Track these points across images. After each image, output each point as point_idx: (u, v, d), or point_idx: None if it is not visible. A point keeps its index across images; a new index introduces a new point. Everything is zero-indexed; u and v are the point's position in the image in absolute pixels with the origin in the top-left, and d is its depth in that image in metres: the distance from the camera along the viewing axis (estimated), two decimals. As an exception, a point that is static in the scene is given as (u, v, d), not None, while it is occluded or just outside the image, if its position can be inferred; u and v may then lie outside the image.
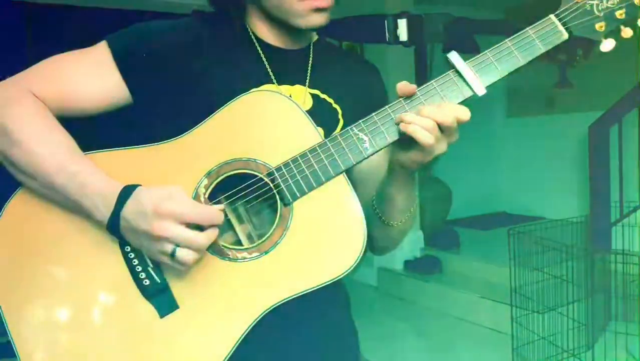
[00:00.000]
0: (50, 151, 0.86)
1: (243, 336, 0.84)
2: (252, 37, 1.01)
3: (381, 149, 0.87)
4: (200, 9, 1.03)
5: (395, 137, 0.86)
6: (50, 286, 0.87)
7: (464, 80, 0.86)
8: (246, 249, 0.87)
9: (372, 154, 0.87)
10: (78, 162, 0.87)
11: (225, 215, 0.90)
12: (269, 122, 0.89)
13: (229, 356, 0.84)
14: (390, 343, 3.52)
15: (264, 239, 0.86)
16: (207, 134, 0.89)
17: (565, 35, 0.87)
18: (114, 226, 0.83)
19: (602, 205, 3.65)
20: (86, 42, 0.98)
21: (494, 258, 4.00)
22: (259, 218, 0.92)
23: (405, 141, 0.85)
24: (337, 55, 1.11)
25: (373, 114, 0.87)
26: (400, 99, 0.87)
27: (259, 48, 1.00)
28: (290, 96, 0.94)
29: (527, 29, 0.87)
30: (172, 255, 0.80)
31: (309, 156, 0.87)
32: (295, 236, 0.86)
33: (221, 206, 0.85)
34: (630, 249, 3.48)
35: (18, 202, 0.90)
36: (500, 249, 3.33)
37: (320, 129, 0.90)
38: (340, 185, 0.87)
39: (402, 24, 1.68)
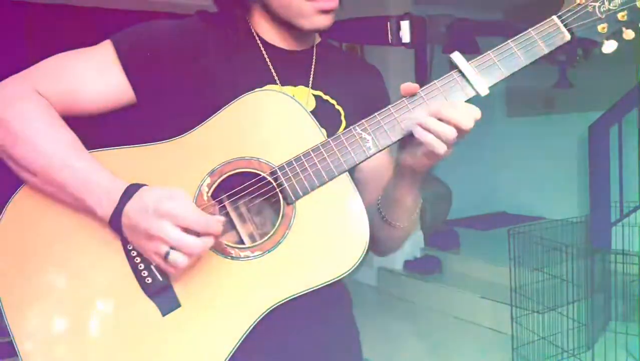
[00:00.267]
0: (54, 148, 0.87)
1: (245, 334, 0.85)
2: (256, 37, 1.01)
3: (384, 148, 0.88)
4: (203, 9, 1.03)
5: (398, 136, 0.87)
6: (52, 284, 0.87)
7: (467, 80, 0.86)
8: (248, 248, 0.87)
9: (375, 154, 0.88)
10: (82, 159, 0.87)
11: (228, 214, 0.91)
12: (272, 122, 0.89)
13: (230, 354, 0.84)
14: (390, 343, 3.52)
15: (266, 238, 0.87)
16: (211, 132, 0.89)
17: (568, 37, 0.87)
18: (116, 223, 0.83)
19: (602, 205, 3.65)
20: (86, 42, 0.98)
21: (494, 258, 4.00)
22: (261, 217, 0.93)
23: (411, 142, 0.85)
24: (340, 57, 1.12)
25: (376, 113, 0.88)
26: (404, 98, 0.87)
27: (262, 49, 1.00)
28: (293, 96, 0.94)
29: (530, 30, 0.87)
30: (165, 257, 0.80)
31: (312, 155, 0.87)
32: (298, 235, 0.86)
33: (221, 218, 0.83)
34: (630, 249, 3.48)
35: (21, 200, 0.90)
36: (500, 249, 3.33)
37: (323, 130, 0.90)
38: (343, 184, 0.88)
39: (405, 25, 1.68)
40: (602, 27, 0.87)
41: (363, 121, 0.88)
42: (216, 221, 0.82)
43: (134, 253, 0.87)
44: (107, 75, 0.94)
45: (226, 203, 0.90)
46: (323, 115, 0.95)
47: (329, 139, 0.88)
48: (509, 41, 0.87)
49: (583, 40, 0.89)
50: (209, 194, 0.88)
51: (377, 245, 1.01)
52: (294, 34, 1.01)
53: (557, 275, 2.99)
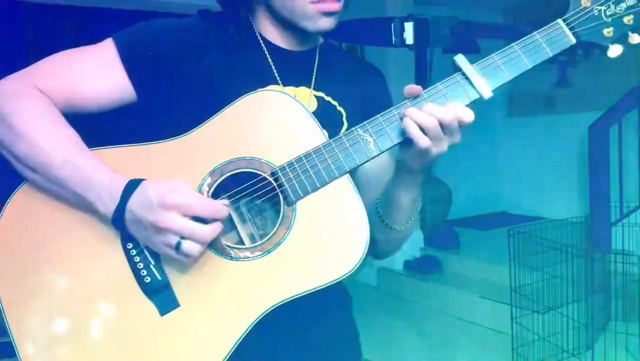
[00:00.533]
0: (56, 145, 0.87)
1: (244, 335, 0.85)
2: (259, 37, 1.01)
3: (385, 150, 0.88)
4: (206, 8, 1.03)
5: (400, 139, 0.87)
6: (50, 283, 0.87)
7: (471, 83, 0.86)
8: (248, 248, 0.87)
9: (376, 156, 0.88)
10: (83, 155, 0.87)
11: (228, 215, 0.90)
12: (273, 122, 0.89)
13: (229, 355, 0.84)
14: (390, 343, 3.52)
15: (266, 238, 0.87)
16: (212, 132, 0.89)
17: (573, 40, 0.87)
18: (118, 219, 0.83)
19: (602, 205, 3.65)
20: (86, 42, 0.98)
21: (494, 258, 4.00)
22: (261, 217, 0.92)
23: (410, 141, 0.85)
24: (343, 58, 1.12)
25: (378, 115, 0.87)
26: (406, 100, 0.87)
27: (265, 49, 1.00)
28: (295, 97, 0.94)
29: (535, 33, 0.87)
30: (177, 247, 0.80)
31: (313, 156, 0.87)
32: (298, 236, 0.86)
33: (226, 201, 0.85)
34: (629, 249, 3.48)
35: (21, 197, 0.90)
36: (500, 249, 3.33)
37: (325, 131, 0.90)
38: (344, 186, 0.87)
39: (409, 27, 1.68)
40: (607, 31, 0.87)
41: (365, 122, 0.87)
42: (222, 205, 0.83)
43: (134, 252, 0.87)
44: (109, 73, 0.94)
45: (230, 201, 0.90)
46: (325, 116, 0.95)
47: (330, 140, 0.87)
48: (513, 44, 0.87)
49: (587, 44, 0.88)
50: (210, 193, 0.87)
51: (374, 247, 1.01)
52: (297, 35, 1.01)
53: (557, 275, 2.99)
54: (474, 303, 3.75)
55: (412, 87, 0.86)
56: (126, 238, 0.86)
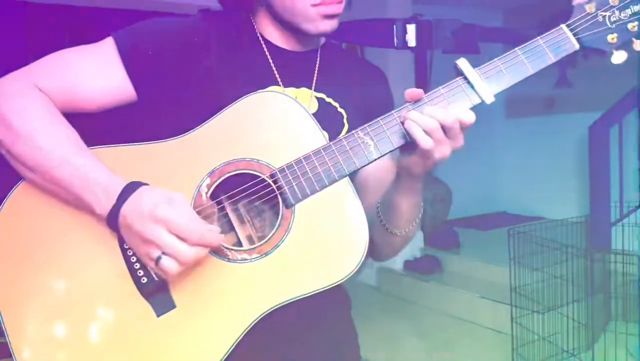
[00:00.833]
0: (54, 144, 0.86)
1: (240, 338, 0.84)
2: (260, 38, 1.00)
3: (386, 154, 0.87)
4: (206, 8, 1.03)
5: (401, 142, 0.86)
6: (47, 282, 0.87)
7: (473, 87, 0.85)
8: (246, 250, 0.86)
9: (376, 159, 0.87)
10: (81, 155, 0.87)
11: (226, 215, 0.90)
12: (273, 123, 0.89)
13: (224, 357, 0.84)
14: (390, 343, 3.52)
15: (264, 241, 0.86)
16: (212, 133, 0.89)
17: (577, 46, 0.86)
18: (112, 222, 0.83)
19: (602, 205, 3.65)
20: (86, 42, 0.98)
21: (494, 258, 4.00)
22: (260, 219, 0.92)
23: (410, 144, 0.85)
24: (344, 59, 1.11)
25: (379, 118, 0.87)
26: (407, 104, 0.87)
27: (265, 49, 0.99)
28: (295, 98, 0.93)
29: (538, 38, 0.86)
30: (157, 262, 0.79)
31: (313, 158, 0.86)
32: (297, 239, 0.86)
33: (217, 229, 0.83)
34: (630, 249, 3.48)
35: (18, 197, 0.89)
36: (500, 249, 3.32)
37: (325, 133, 0.90)
38: (344, 189, 0.87)
39: (411, 29, 1.68)
40: (612, 37, 0.86)
41: (365, 125, 0.87)
42: (211, 232, 0.81)
43: (131, 252, 0.86)
44: (108, 72, 0.94)
45: (225, 203, 0.90)
46: (325, 117, 0.94)
47: (330, 143, 0.87)
48: (516, 49, 0.86)
49: (591, 50, 0.88)
50: (208, 194, 0.87)
51: (375, 250, 1.01)
52: (297, 36, 1.00)
53: (557, 275, 2.99)
54: (474, 303, 3.75)
55: (414, 91, 0.86)
56: (123, 239, 0.86)
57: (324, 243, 0.86)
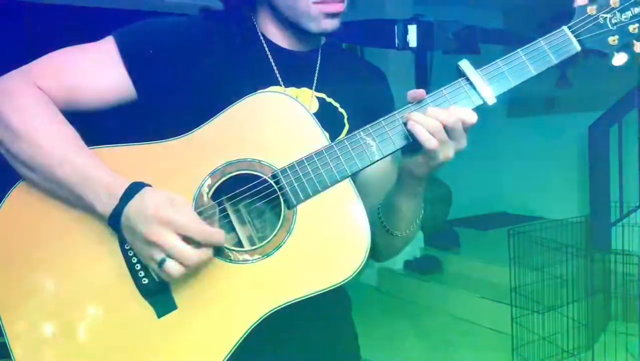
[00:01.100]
0: (54, 143, 0.86)
1: (241, 340, 0.84)
2: (261, 37, 1.00)
3: (388, 155, 0.87)
4: (207, 7, 1.03)
5: (402, 143, 0.86)
6: (46, 283, 0.86)
7: (475, 88, 0.85)
8: (248, 251, 0.86)
9: (379, 160, 0.87)
10: (82, 154, 0.86)
11: (227, 216, 0.90)
12: (275, 124, 0.89)
13: (226, 358, 0.83)
14: (390, 343, 3.52)
15: (266, 242, 0.86)
16: (213, 133, 0.88)
17: (578, 48, 0.87)
18: (115, 222, 0.82)
19: (602, 205, 3.65)
20: (86, 42, 0.98)
21: (494, 258, 4.00)
22: (261, 220, 0.92)
23: (413, 146, 0.85)
24: (345, 59, 1.11)
25: (381, 119, 0.86)
26: (409, 104, 0.86)
27: (266, 49, 0.99)
28: (297, 98, 0.93)
29: (540, 40, 0.87)
30: (160, 264, 0.79)
31: (315, 159, 0.86)
32: (298, 240, 0.85)
33: (221, 231, 0.83)
34: (630, 249, 3.48)
35: (16, 197, 0.89)
36: (500, 249, 3.32)
37: (326, 133, 0.89)
38: (346, 190, 0.86)
39: (412, 30, 1.68)
40: (613, 39, 0.86)
41: (368, 126, 0.87)
42: (217, 231, 0.81)
43: (131, 253, 0.85)
44: (109, 71, 0.93)
45: (226, 204, 0.89)
46: (326, 118, 0.94)
47: (332, 144, 0.87)
48: (518, 50, 0.86)
49: (592, 51, 0.88)
50: (210, 195, 0.87)
51: (375, 251, 1.00)
52: (299, 35, 1.00)
53: (557, 275, 2.99)
54: (474, 303, 3.76)
55: (416, 92, 0.86)
56: (124, 238, 0.85)
57: (326, 244, 0.86)
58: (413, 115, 0.83)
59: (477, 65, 0.88)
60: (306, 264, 0.85)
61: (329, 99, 1.01)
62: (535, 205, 5.23)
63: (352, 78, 1.07)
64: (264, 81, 0.95)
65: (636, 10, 0.86)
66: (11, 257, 0.87)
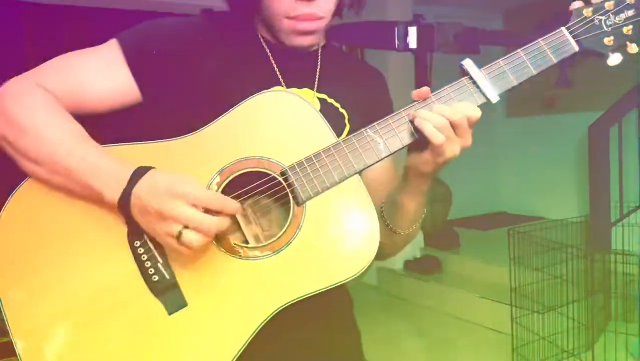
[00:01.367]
0: (61, 136, 0.86)
1: (252, 336, 0.84)
2: (261, 38, 1.01)
3: (395, 152, 0.88)
4: (208, 8, 1.03)
5: (409, 140, 0.88)
6: (54, 281, 0.86)
7: (478, 87, 0.88)
8: (258, 247, 0.87)
9: (386, 157, 0.88)
10: (89, 145, 0.87)
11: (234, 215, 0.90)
12: (283, 122, 0.89)
13: (237, 355, 0.84)
14: (390, 343, 3.52)
15: (275, 238, 0.86)
16: (221, 132, 0.89)
17: (576, 48, 0.89)
18: (124, 204, 0.82)
19: (602, 205, 3.65)
20: (86, 42, 0.98)
21: (494, 258, 4.00)
22: (267, 219, 0.92)
23: (420, 143, 0.86)
24: (345, 60, 1.11)
25: (388, 117, 0.88)
26: (415, 103, 0.88)
27: (268, 50, 1.00)
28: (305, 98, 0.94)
29: (539, 40, 0.89)
30: (178, 236, 0.79)
31: (323, 156, 0.87)
32: (308, 236, 0.86)
33: (234, 201, 0.84)
34: (630, 249, 3.48)
35: (24, 194, 0.89)
36: (500, 249, 3.33)
37: (333, 132, 0.90)
38: (354, 187, 0.88)
39: (413, 31, 1.68)
40: (608, 40, 0.89)
41: (374, 123, 0.88)
42: (233, 200, 0.82)
43: (141, 250, 0.86)
44: (113, 73, 0.94)
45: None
46: (327, 118, 0.94)
47: (340, 141, 0.88)
48: (518, 50, 0.89)
49: (588, 51, 0.91)
50: (218, 192, 0.87)
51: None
52: None
53: (557, 275, 2.99)
54: (474, 303, 3.76)
55: (421, 91, 0.87)
56: (133, 235, 0.86)
57: (335, 240, 0.86)
58: (420, 112, 0.85)
59: (477, 64, 0.90)
60: (316, 260, 0.86)
61: (329, 100, 1.01)
62: (535, 205, 5.24)
63: (352, 79, 1.07)
64: (266, 81, 0.96)
65: (629, 12, 0.89)
66: (18, 256, 0.87)
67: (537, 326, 2.96)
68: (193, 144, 0.89)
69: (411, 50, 1.66)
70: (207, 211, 0.80)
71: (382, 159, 0.88)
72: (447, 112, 0.84)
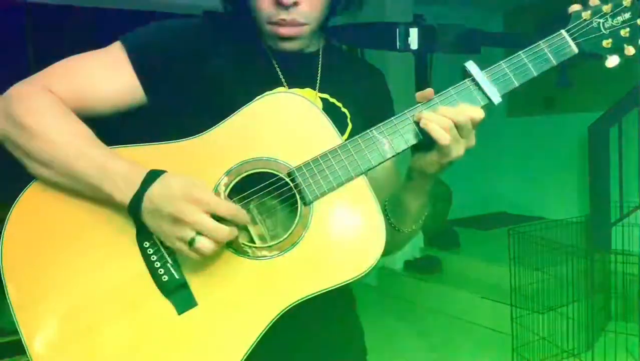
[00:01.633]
0: (69, 138, 0.86)
1: (262, 334, 0.85)
2: (263, 40, 1.01)
3: (400, 152, 0.89)
4: (210, 10, 1.03)
5: (414, 141, 0.89)
6: (63, 282, 0.86)
7: (481, 89, 0.89)
8: (265, 247, 0.87)
9: (391, 157, 0.89)
10: (98, 147, 0.87)
11: None
12: (289, 123, 0.90)
13: (247, 354, 0.84)
14: (390, 343, 3.52)
15: (283, 238, 0.87)
16: (228, 133, 0.89)
17: (576, 50, 0.91)
18: (135, 207, 0.82)
19: (602, 205, 3.65)
20: (86, 42, 0.98)
21: (494, 258, 4.00)
22: (272, 219, 0.93)
23: (424, 144, 0.87)
24: (345, 59, 1.12)
25: (392, 118, 0.89)
26: (419, 104, 0.89)
27: (269, 51, 1.00)
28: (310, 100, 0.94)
29: (540, 42, 0.90)
30: (191, 243, 0.79)
31: (330, 157, 0.88)
32: (315, 236, 0.87)
33: (244, 211, 0.85)
34: (630, 249, 3.48)
35: (31, 196, 0.89)
36: (500, 249, 3.33)
37: (339, 132, 0.91)
38: (360, 186, 0.88)
39: (414, 32, 1.69)
40: (607, 43, 0.91)
41: (380, 124, 0.89)
42: (243, 212, 0.83)
43: (150, 251, 0.86)
44: (118, 76, 0.94)
45: (241, 203, 0.90)
46: (330, 117, 0.95)
47: (346, 142, 0.89)
48: (520, 52, 0.90)
49: (587, 53, 0.92)
50: (226, 193, 0.88)
51: None
52: None
53: (557, 275, 2.99)
54: (474, 303, 3.76)
55: (425, 92, 0.88)
56: (142, 236, 0.86)
57: (343, 239, 0.87)
58: (425, 114, 0.86)
59: (478, 66, 0.91)
60: (323, 259, 0.87)
61: (332, 100, 1.02)
62: (535, 205, 5.24)
63: (353, 78, 1.08)
64: (268, 82, 0.97)
65: (627, 15, 0.90)
66: (27, 256, 0.87)
67: (537, 326, 2.96)
68: (200, 145, 0.89)
69: (412, 51, 1.67)
70: (218, 218, 0.81)
71: (387, 159, 0.89)
72: (451, 114, 0.85)
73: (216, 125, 0.89)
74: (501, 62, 0.90)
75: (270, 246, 0.87)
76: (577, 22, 0.91)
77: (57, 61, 0.96)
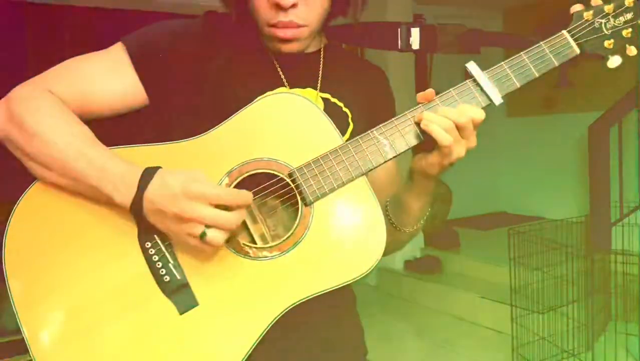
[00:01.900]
0: (69, 139, 0.87)
1: (262, 334, 0.85)
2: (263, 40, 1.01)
3: (401, 153, 0.90)
4: (212, 10, 1.03)
5: (415, 142, 0.89)
6: (65, 283, 0.87)
7: (482, 89, 0.89)
8: (266, 247, 0.88)
9: (392, 158, 0.89)
10: (97, 148, 0.87)
11: None
12: (290, 124, 0.90)
13: (248, 354, 0.85)
14: (390, 343, 3.53)
15: (284, 238, 0.87)
16: (229, 133, 0.90)
17: (577, 51, 0.90)
18: (137, 209, 0.83)
19: (602, 205, 3.65)
20: (86, 42, 0.98)
21: (494, 258, 4.01)
22: (273, 219, 0.93)
23: (425, 145, 0.87)
24: (347, 59, 1.12)
25: (393, 118, 0.89)
26: (420, 105, 0.89)
27: (270, 51, 1.00)
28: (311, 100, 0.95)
29: (541, 43, 0.90)
30: (202, 236, 0.80)
31: (330, 157, 0.88)
32: (316, 236, 0.87)
33: (246, 192, 0.84)
34: (630, 249, 3.48)
35: (32, 197, 0.89)
36: (500, 249, 3.33)
37: (339, 133, 0.91)
38: (361, 187, 0.89)
39: (415, 32, 1.70)
40: (608, 43, 0.91)
41: (380, 125, 0.89)
42: (246, 192, 0.83)
43: (152, 251, 0.87)
44: (120, 77, 0.95)
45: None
46: (331, 117, 0.95)
47: (347, 143, 0.89)
48: (521, 53, 0.90)
49: (589, 54, 0.92)
50: (231, 187, 0.88)
51: None
52: None
53: (557, 275, 2.99)
54: (474, 303, 3.76)
55: (426, 93, 0.88)
56: (143, 236, 0.86)
57: (343, 240, 0.88)
58: (426, 115, 0.86)
59: (479, 67, 0.91)
60: (324, 259, 0.87)
61: (333, 99, 1.02)
62: (535, 205, 5.24)
63: (354, 78, 1.08)
64: (269, 82, 0.97)
65: (628, 15, 0.90)
66: (29, 257, 0.88)
67: (537, 326, 2.96)
68: (201, 146, 0.90)
69: (413, 50, 1.68)
70: (222, 206, 0.81)
71: (388, 160, 0.89)
72: (452, 115, 0.85)
73: (217, 125, 0.90)
74: (502, 63, 0.90)
75: (271, 247, 0.87)
76: (579, 22, 0.91)
77: (57, 61, 0.97)
